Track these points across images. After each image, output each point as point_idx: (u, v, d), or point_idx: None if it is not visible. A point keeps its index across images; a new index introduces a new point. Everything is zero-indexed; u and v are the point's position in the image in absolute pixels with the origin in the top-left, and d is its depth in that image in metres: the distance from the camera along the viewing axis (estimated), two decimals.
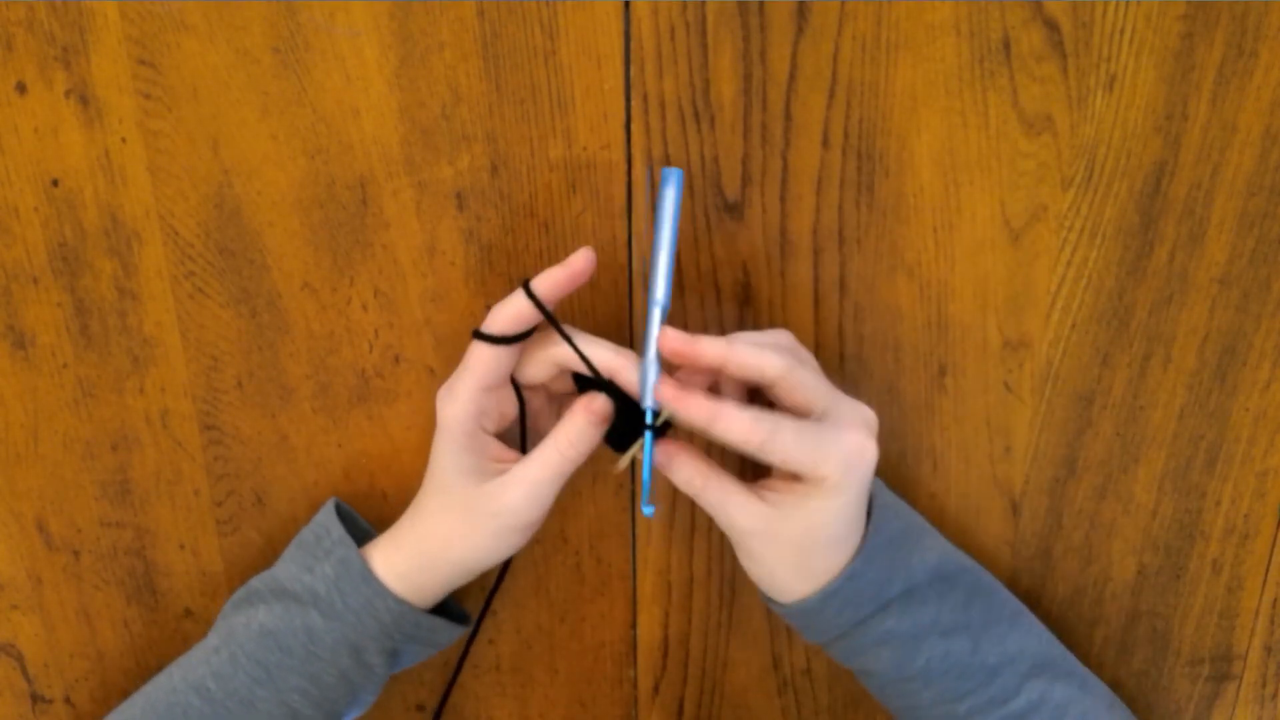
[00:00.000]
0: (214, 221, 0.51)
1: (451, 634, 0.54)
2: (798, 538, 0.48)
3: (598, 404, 0.49)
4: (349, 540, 0.51)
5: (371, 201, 0.51)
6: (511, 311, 0.48)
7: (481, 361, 0.48)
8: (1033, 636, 0.54)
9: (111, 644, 0.60)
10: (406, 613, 0.50)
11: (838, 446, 0.46)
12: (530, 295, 0.47)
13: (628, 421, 0.49)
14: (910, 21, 0.48)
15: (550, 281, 0.48)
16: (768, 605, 0.53)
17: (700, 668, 0.62)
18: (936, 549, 0.52)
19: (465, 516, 0.49)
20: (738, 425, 0.45)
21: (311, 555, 0.52)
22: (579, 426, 0.49)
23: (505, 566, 0.58)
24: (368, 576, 0.50)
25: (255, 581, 0.53)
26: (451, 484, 0.49)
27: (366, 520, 0.57)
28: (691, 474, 0.49)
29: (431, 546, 0.50)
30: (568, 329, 0.49)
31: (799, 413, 0.47)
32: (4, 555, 0.57)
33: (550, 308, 0.48)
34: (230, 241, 0.52)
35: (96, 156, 0.50)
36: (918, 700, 0.51)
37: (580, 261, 0.48)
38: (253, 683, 0.50)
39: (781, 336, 0.49)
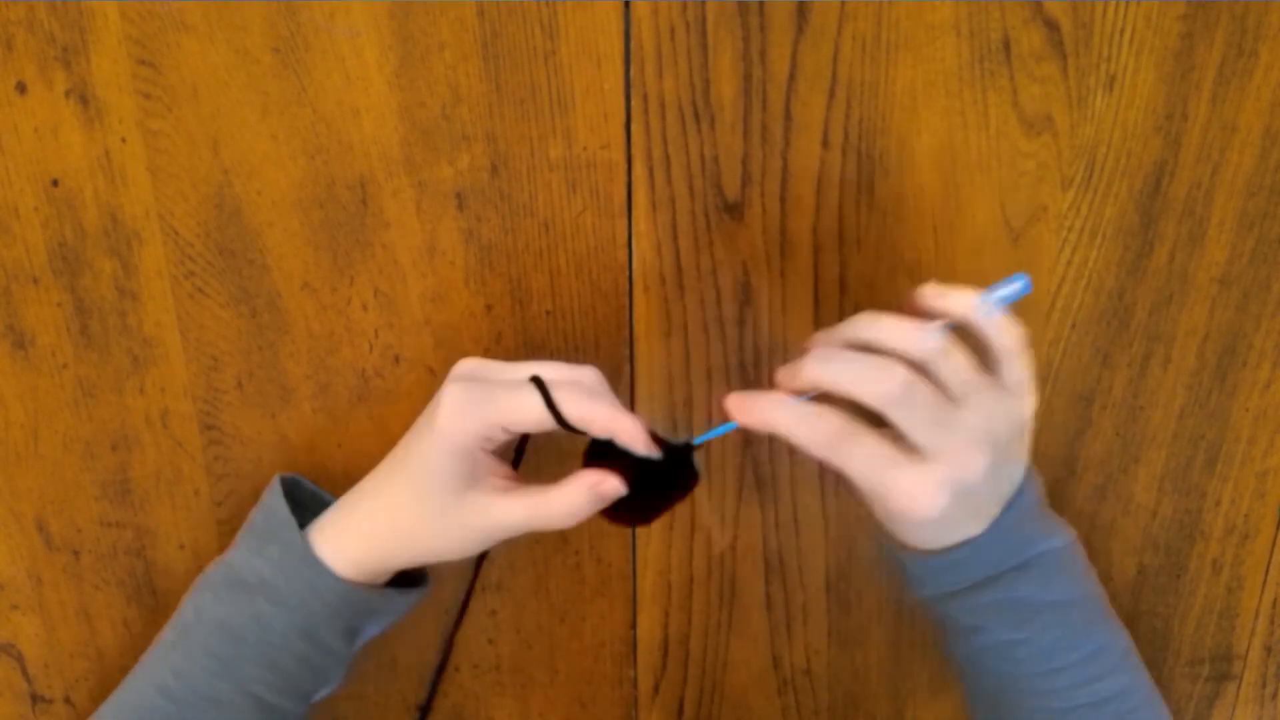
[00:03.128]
0: (214, 221, 0.51)
1: (410, 600, 0.53)
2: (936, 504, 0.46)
3: (607, 487, 0.46)
4: (291, 521, 0.50)
5: (371, 201, 0.51)
6: (600, 418, 0.45)
7: (527, 415, 0.45)
8: (1121, 625, 0.54)
9: (111, 644, 0.60)
10: (354, 592, 0.49)
11: (904, 495, 0.44)
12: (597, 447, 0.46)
13: (634, 487, 0.48)
14: (910, 21, 0.48)
15: (631, 437, 0.46)
16: (891, 555, 0.51)
17: (700, 668, 0.62)
18: (1057, 516, 0.52)
19: (440, 519, 0.48)
20: (796, 426, 0.44)
21: (260, 538, 0.51)
22: (580, 503, 0.46)
23: (482, 556, 0.57)
24: (310, 559, 0.49)
25: (211, 567, 0.52)
26: (430, 487, 0.48)
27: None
28: (835, 425, 0.45)
29: (391, 536, 0.49)
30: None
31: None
32: (4, 555, 0.57)
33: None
34: (230, 241, 0.52)
35: (96, 156, 0.50)
36: (1020, 667, 0.50)
37: (641, 442, 0.46)
38: (212, 676, 0.50)
39: (920, 342, 0.44)
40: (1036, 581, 0.49)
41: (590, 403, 0.45)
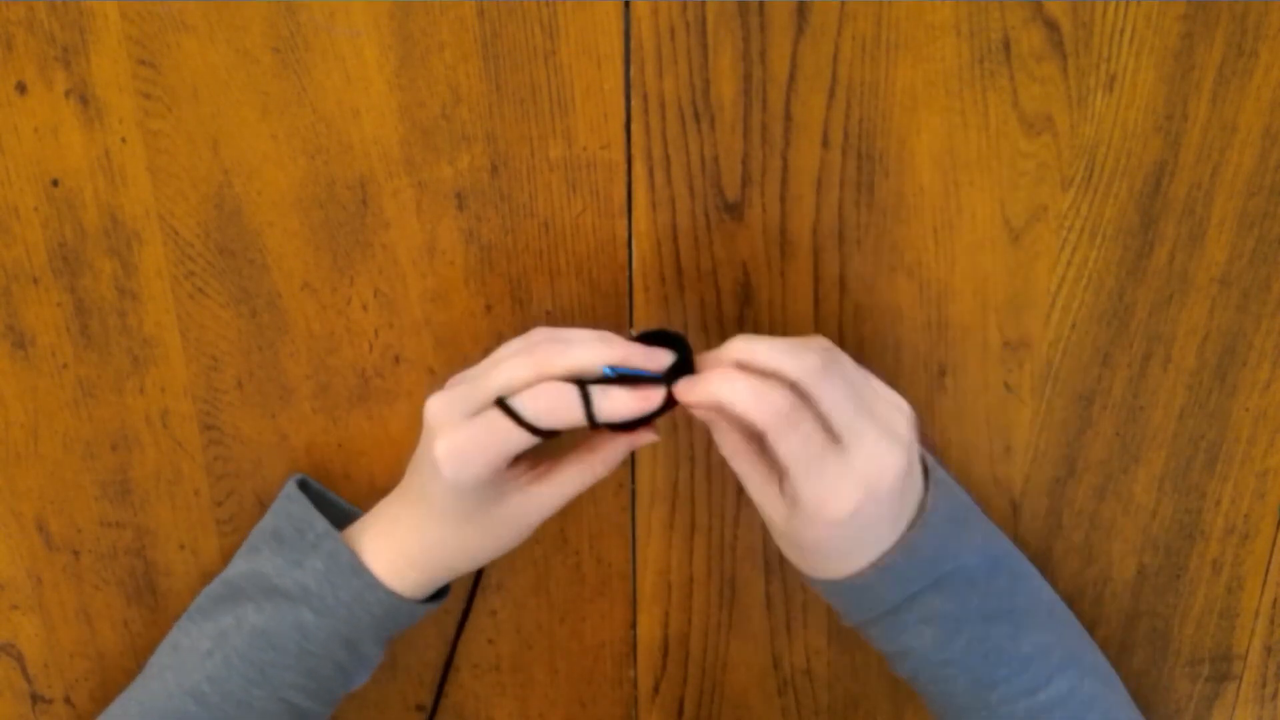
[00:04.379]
0: (214, 221, 0.51)
1: (436, 607, 0.54)
2: (817, 540, 0.47)
3: (642, 441, 0.48)
4: (334, 533, 0.51)
5: (371, 201, 0.51)
6: (564, 412, 0.44)
7: (512, 442, 0.45)
8: (1066, 628, 0.54)
9: (111, 644, 0.60)
10: (401, 605, 0.50)
11: (824, 486, 0.44)
12: (591, 420, 0.44)
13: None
14: (910, 21, 0.48)
15: (614, 408, 0.45)
16: (810, 584, 0.51)
17: (700, 668, 0.62)
18: (984, 530, 0.52)
19: (486, 529, 0.49)
20: (745, 398, 0.43)
21: (296, 549, 0.51)
22: (617, 461, 0.48)
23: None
24: (359, 569, 0.49)
25: (237, 578, 0.52)
26: (468, 517, 0.48)
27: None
28: (729, 438, 0.46)
29: (446, 556, 0.50)
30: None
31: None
32: (4, 555, 0.57)
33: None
34: (230, 241, 0.52)
35: (96, 156, 0.50)
36: (951, 686, 0.51)
37: (655, 398, 0.45)
38: (248, 684, 0.50)
39: (807, 356, 0.45)
40: (953, 598, 0.49)
41: (554, 400, 0.44)
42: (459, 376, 0.48)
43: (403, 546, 0.50)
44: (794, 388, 0.44)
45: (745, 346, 0.45)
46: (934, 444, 0.57)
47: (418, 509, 0.49)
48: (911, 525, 0.48)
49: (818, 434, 0.44)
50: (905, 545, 0.47)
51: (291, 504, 0.53)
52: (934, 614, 0.49)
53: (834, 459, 0.44)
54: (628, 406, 0.45)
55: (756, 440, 0.46)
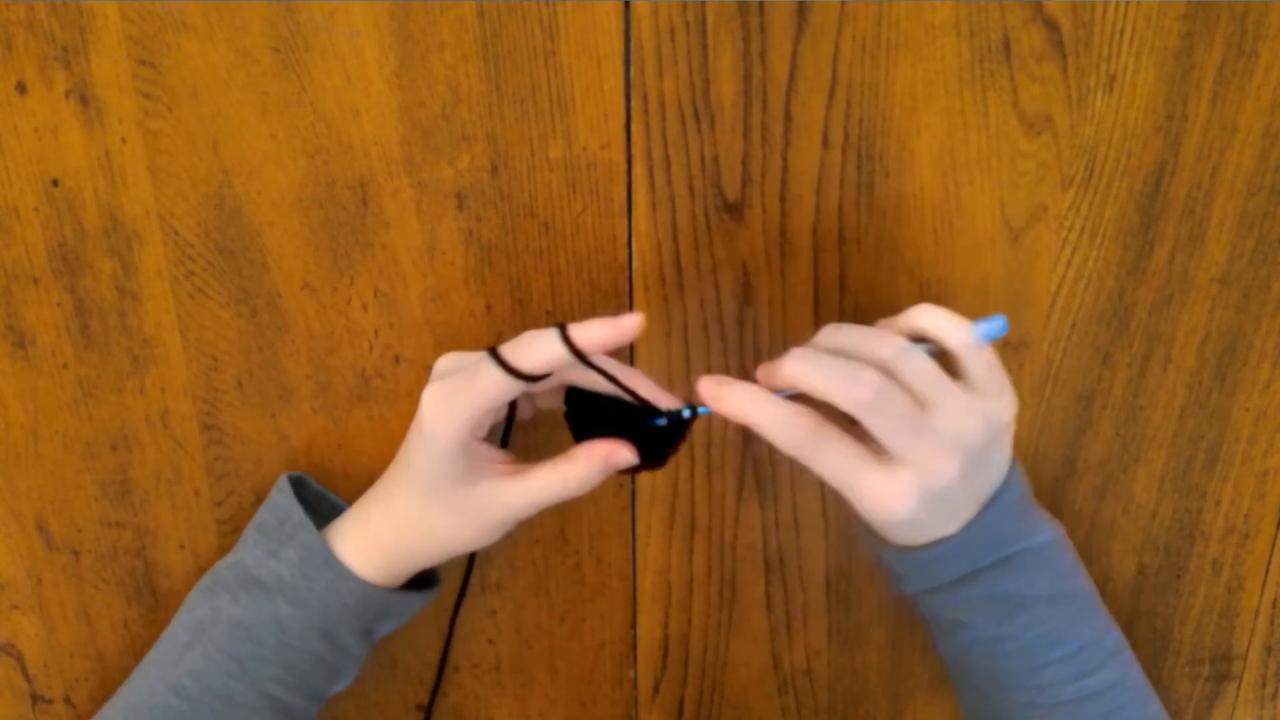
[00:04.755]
0: (214, 221, 0.51)
1: (422, 601, 0.54)
2: (914, 506, 0.47)
3: (619, 458, 0.47)
4: (309, 524, 0.51)
5: (371, 201, 0.51)
6: (545, 354, 0.45)
7: (493, 389, 0.46)
8: (1112, 621, 0.54)
9: (111, 644, 0.60)
10: (373, 593, 0.50)
11: (872, 498, 0.45)
12: (573, 349, 0.45)
13: (631, 427, 0.48)
14: (910, 21, 0.48)
15: (591, 338, 0.45)
16: (874, 549, 0.51)
17: (700, 668, 0.62)
18: (1044, 511, 0.52)
19: (455, 514, 0.49)
20: (771, 423, 0.44)
21: (274, 539, 0.51)
22: (594, 474, 0.47)
23: (473, 554, 0.58)
24: (331, 560, 0.49)
25: (221, 568, 0.53)
26: (438, 487, 0.48)
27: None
28: (802, 428, 0.46)
29: (409, 537, 0.50)
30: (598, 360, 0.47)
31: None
32: (4, 555, 0.57)
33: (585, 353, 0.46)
34: (230, 241, 0.52)
35: (96, 156, 0.50)
36: (1005, 662, 0.51)
37: (630, 325, 0.46)
38: (228, 677, 0.50)
39: (883, 345, 0.45)
40: (1019, 577, 0.49)
41: (542, 346, 0.46)
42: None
43: (373, 532, 0.50)
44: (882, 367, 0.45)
45: (846, 330, 0.46)
46: None
47: (392, 492, 0.50)
48: (990, 501, 0.48)
49: (910, 406, 0.45)
50: (982, 520, 0.48)
51: (278, 496, 0.53)
52: (999, 590, 0.49)
53: (926, 426, 0.45)
54: (601, 332, 0.45)
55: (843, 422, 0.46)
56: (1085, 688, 0.50)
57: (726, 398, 0.46)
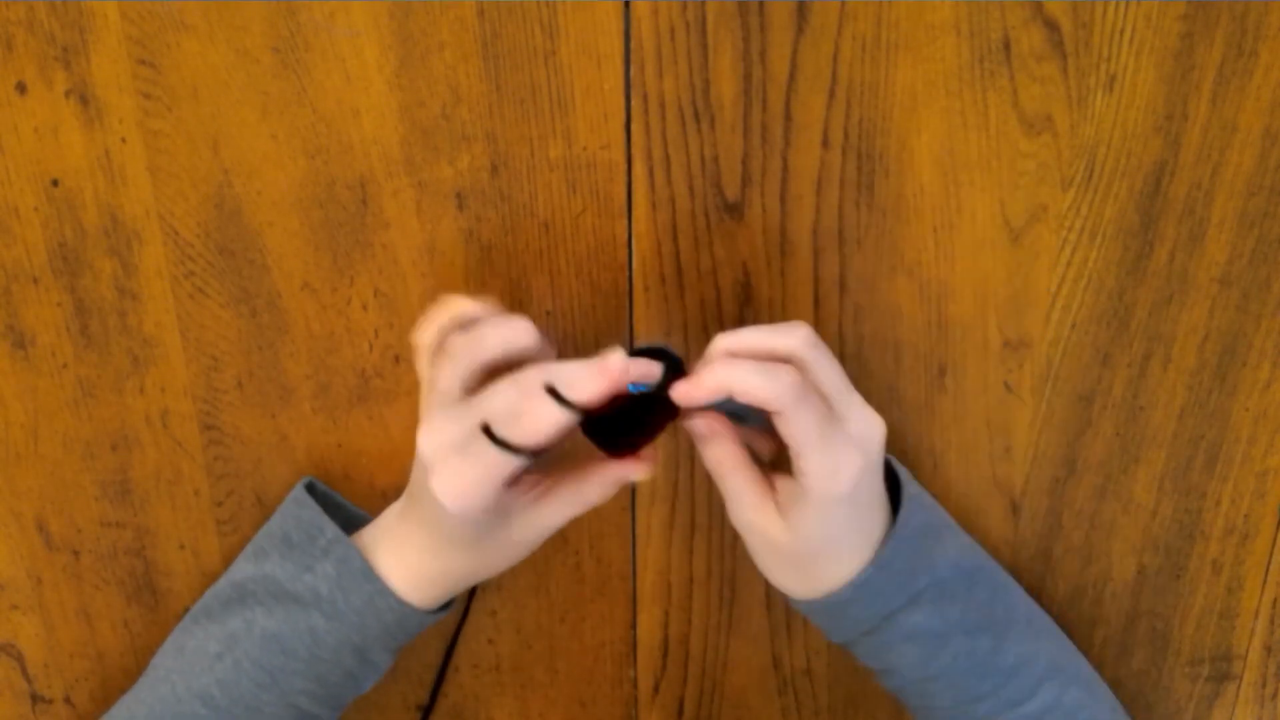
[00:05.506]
0: (214, 221, 0.51)
1: (444, 614, 0.54)
2: (806, 547, 0.47)
3: (636, 472, 0.48)
4: (344, 538, 0.51)
5: (371, 201, 0.51)
6: (547, 423, 0.43)
7: (502, 468, 0.44)
8: (1047, 638, 0.54)
9: (111, 644, 0.60)
10: (411, 614, 0.50)
11: (836, 458, 0.45)
12: (573, 408, 0.43)
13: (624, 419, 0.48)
14: (910, 21, 0.48)
15: (584, 390, 0.43)
16: (793, 605, 0.51)
17: (700, 668, 0.62)
18: (958, 543, 0.52)
19: (492, 550, 0.49)
20: (755, 380, 0.43)
21: (307, 554, 0.51)
22: (611, 489, 0.48)
23: None
24: (371, 578, 0.49)
25: (245, 581, 0.52)
26: (479, 539, 0.48)
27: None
28: (722, 457, 0.47)
29: (456, 573, 0.50)
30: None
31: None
32: (4, 555, 0.57)
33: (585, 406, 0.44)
34: (230, 241, 0.52)
35: (96, 156, 0.50)
36: (936, 701, 0.51)
37: (615, 366, 0.43)
38: (257, 688, 0.50)
39: (797, 331, 0.46)
40: (933, 613, 0.49)
41: (538, 415, 0.43)
42: (439, 405, 0.47)
43: (418, 565, 0.50)
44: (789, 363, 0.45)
45: (732, 338, 0.46)
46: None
47: (429, 534, 0.48)
48: (885, 540, 0.48)
49: (823, 405, 0.45)
50: (879, 560, 0.48)
51: (301, 508, 0.53)
52: (915, 630, 0.49)
53: (834, 429, 0.45)
54: (588, 379, 0.43)
55: (746, 449, 0.47)
56: (1023, 715, 0.50)
57: (701, 382, 0.45)
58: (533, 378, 0.44)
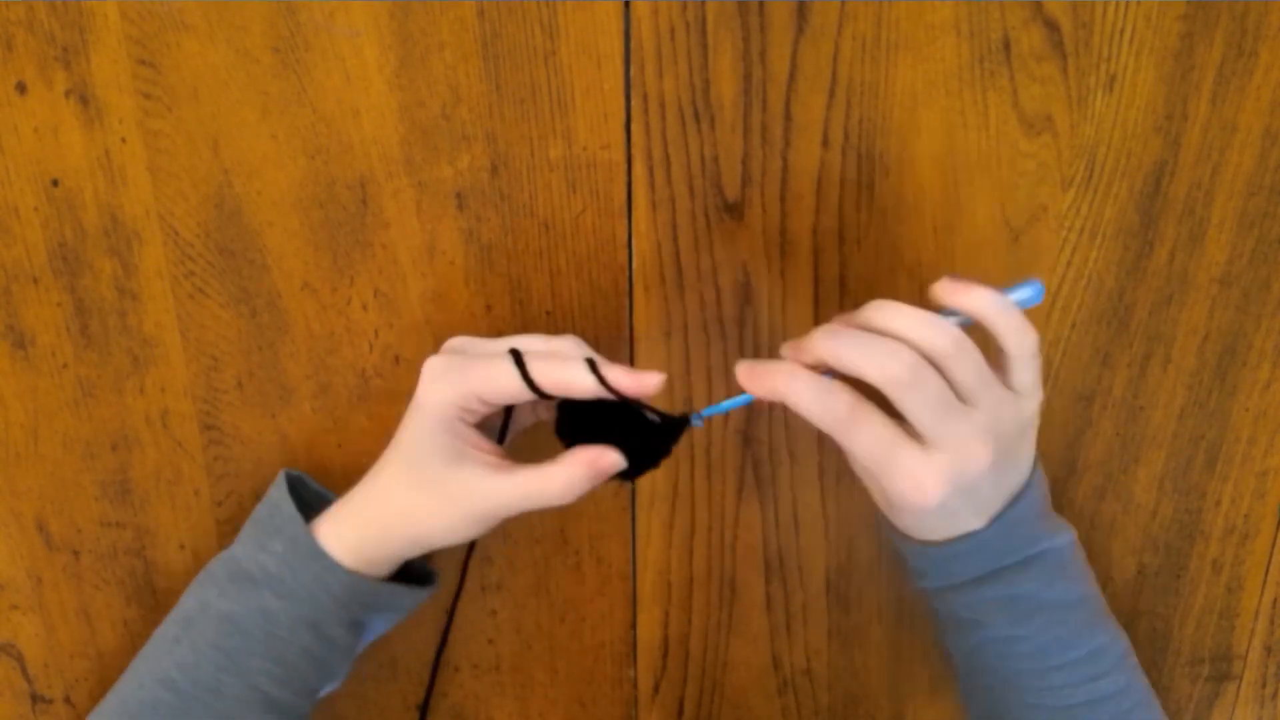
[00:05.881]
0: (214, 221, 0.51)
1: (417, 597, 0.53)
2: (907, 524, 0.48)
3: (605, 462, 0.46)
4: (297, 516, 0.50)
5: (371, 201, 0.51)
6: (572, 381, 0.45)
7: (501, 383, 0.46)
8: (1120, 627, 0.54)
9: (111, 644, 0.60)
10: (359, 583, 0.50)
11: (908, 480, 0.44)
12: (604, 383, 0.44)
13: (628, 439, 0.47)
14: (910, 21, 0.48)
15: (618, 382, 0.45)
16: (897, 542, 0.51)
17: (700, 668, 0.62)
18: (1061, 517, 0.52)
19: (434, 495, 0.48)
20: (808, 398, 0.43)
21: (264, 532, 0.51)
22: (579, 479, 0.46)
23: (470, 551, 0.58)
24: (316, 552, 0.49)
25: (214, 562, 0.53)
26: (422, 461, 0.48)
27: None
28: (841, 404, 0.45)
29: (389, 518, 0.49)
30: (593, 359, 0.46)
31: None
32: (4, 555, 0.57)
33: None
34: (230, 241, 0.52)
35: (96, 156, 0.50)
36: (1018, 663, 0.50)
37: (652, 382, 0.45)
38: (217, 670, 0.50)
39: (935, 334, 0.44)
40: (1038, 579, 0.49)
41: (564, 369, 0.45)
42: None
43: (356, 515, 0.50)
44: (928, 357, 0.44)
45: (886, 310, 0.45)
46: None
47: (380, 471, 0.50)
48: (1015, 499, 0.48)
49: (947, 390, 0.44)
50: (1008, 518, 0.47)
51: (273, 491, 0.53)
52: (1018, 591, 0.49)
53: (963, 413, 0.44)
54: (625, 380, 0.45)
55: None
56: (1095, 691, 0.50)
57: (762, 376, 0.45)
58: (571, 344, 0.47)
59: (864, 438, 0.44)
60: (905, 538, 0.50)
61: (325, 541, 0.50)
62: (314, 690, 0.52)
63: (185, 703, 0.50)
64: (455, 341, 0.50)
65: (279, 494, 0.52)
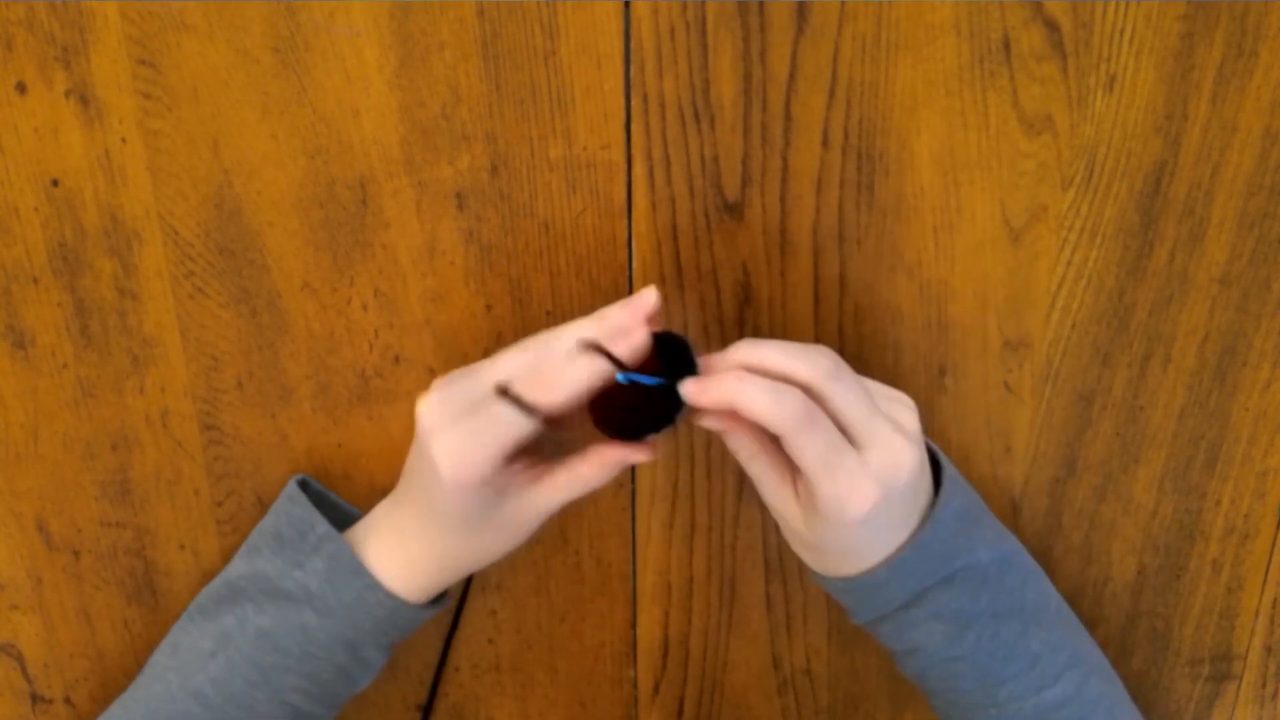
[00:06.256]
0: (214, 221, 0.51)
1: (438, 610, 0.53)
2: (826, 549, 0.48)
3: (636, 457, 0.46)
4: (335, 534, 0.50)
5: (371, 201, 0.51)
6: (570, 381, 0.43)
7: (511, 432, 0.44)
8: (1071, 628, 0.54)
9: (111, 644, 0.60)
10: (403, 609, 0.50)
11: (843, 482, 0.44)
12: (609, 357, 0.43)
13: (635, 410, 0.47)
14: (910, 21, 0.48)
15: (614, 323, 0.44)
16: (819, 582, 0.51)
17: (700, 668, 0.62)
18: (994, 528, 0.52)
19: (486, 534, 0.48)
20: (762, 402, 0.42)
21: (298, 550, 0.51)
22: (610, 473, 0.47)
23: None
24: (361, 573, 0.49)
25: (237, 579, 0.52)
26: (472, 521, 0.47)
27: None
28: (745, 442, 0.46)
29: (450, 562, 0.50)
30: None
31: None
32: (4, 555, 0.57)
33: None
34: (230, 241, 0.52)
35: (96, 156, 0.50)
36: (960, 683, 0.51)
37: (647, 301, 0.44)
38: (250, 686, 0.50)
39: (819, 360, 0.45)
40: (964, 594, 0.49)
41: (562, 374, 0.44)
42: (447, 378, 0.47)
43: (409, 555, 0.49)
44: (806, 390, 0.44)
45: (752, 350, 0.45)
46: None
47: (421, 517, 0.48)
48: (924, 521, 0.48)
49: (834, 434, 0.44)
50: (918, 541, 0.47)
51: (293, 505, 0.53)
52: (945, 610, 0.49)
53: (851, 458, 0.44)
54: (619, 315, 0.44)
55: (772, 441, 0.46)
56: (1044, 701, 0.50)
57: (711, 389, 0.44)
58: (551, 336, 0.45)
59: (814, 439, 0.43)
60: (831, 577, 0.50)
61: (374, 566, 0.49)
62: (339, 703, 0.53)
63: (215, 716, 0.50)
64: (432, 410, 0.45)
65: (304, 510, 0.52)
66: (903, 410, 0.47)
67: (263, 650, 0.50)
